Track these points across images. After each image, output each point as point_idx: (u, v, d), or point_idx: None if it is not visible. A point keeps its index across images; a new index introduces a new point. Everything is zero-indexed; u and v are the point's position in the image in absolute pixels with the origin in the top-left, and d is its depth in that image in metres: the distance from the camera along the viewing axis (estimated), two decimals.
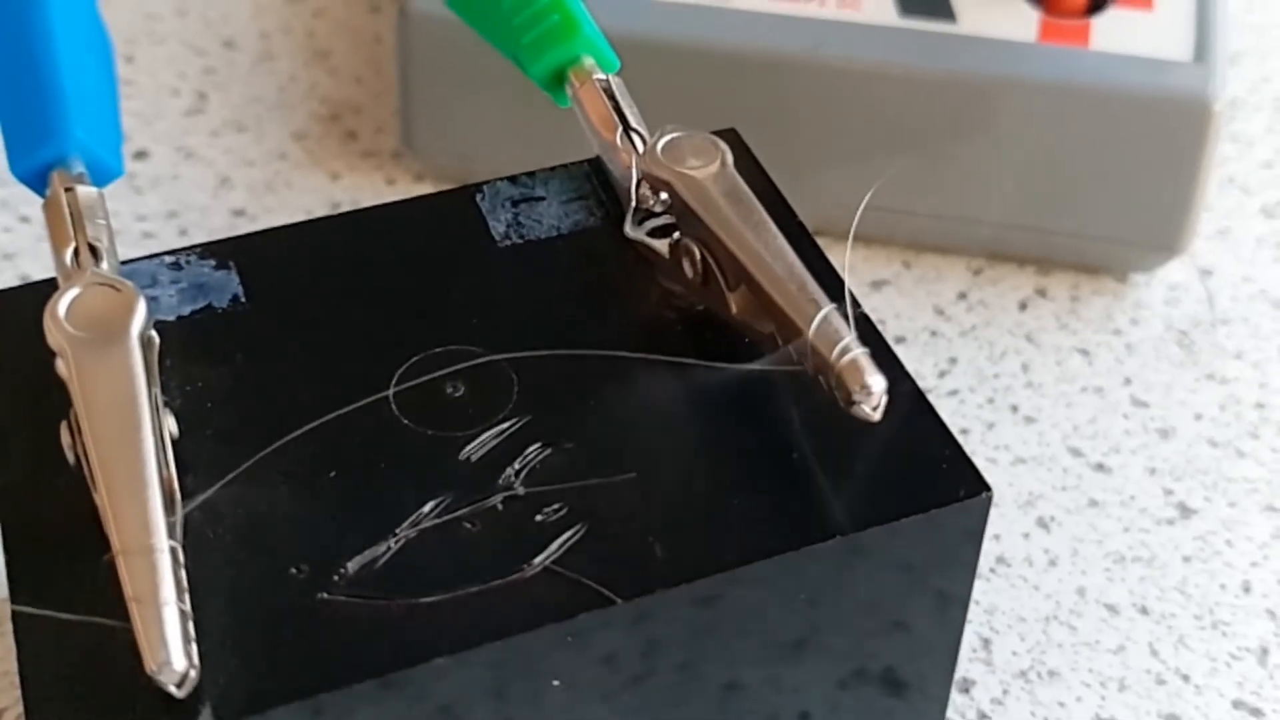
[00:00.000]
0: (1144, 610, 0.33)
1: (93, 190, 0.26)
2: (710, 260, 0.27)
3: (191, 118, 0.44)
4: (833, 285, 0.26)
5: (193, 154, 0.43)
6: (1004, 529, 0.35)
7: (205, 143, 0.44)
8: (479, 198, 0.30)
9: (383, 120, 0.44)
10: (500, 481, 0.25)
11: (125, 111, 0.30)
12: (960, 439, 0.26)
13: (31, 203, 0.41)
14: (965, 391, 0.38)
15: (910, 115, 0.38)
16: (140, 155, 0.43)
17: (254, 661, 0.22)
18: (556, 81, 0.30)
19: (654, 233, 0.28)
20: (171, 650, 0.21)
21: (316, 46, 0.47)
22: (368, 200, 0.41)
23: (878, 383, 0.24)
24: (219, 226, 0.41)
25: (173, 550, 0.22)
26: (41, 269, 0.39)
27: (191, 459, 0.25)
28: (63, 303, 0.24)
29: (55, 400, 0.24)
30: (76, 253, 0.25)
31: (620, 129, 0.28)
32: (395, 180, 0.43)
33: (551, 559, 0.24)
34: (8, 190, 0.41)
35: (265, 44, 0.47)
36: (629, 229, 0.28)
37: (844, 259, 0.28)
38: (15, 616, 0.23)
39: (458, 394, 0.26)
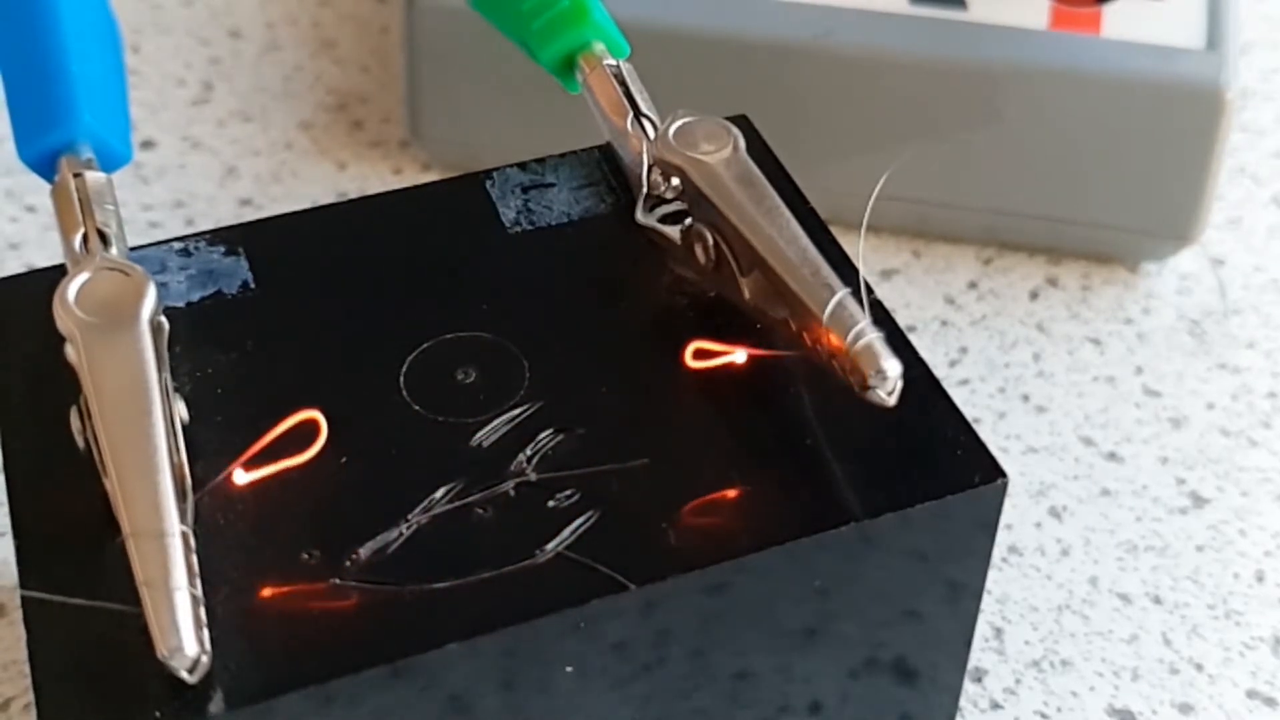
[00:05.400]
0: (1157, 600, 0.33)
1: (101, 176, 0.26)
2: (722, 245, 0.27)
3: (197, 107, 0.44)
4: (845, 272, 0.25)
5: (199, 144, 0.43)
6: (1016, 518, 0.35)
7: (211, 133, 0.43)
8: (489, 184, 0.30)
9: (389, 110, 0.44)
10: (512, 467, 0.25)
11: (131, 102, 0.30)
12: None
13: (37, 192, 0.41)
14: (976, 381, 0.38)
15: (920, 103, 0.38)
16: (147, 145, 0.43)
17: (265, 647, 0.22)
18: (566, 67, 0.29)
19: (665, 219, 0.28)
20: (183, 635, 0.21)
21: (322, 36, 0.47)
22: (374, 190, 0.41)
23: (893, 367, 0.24)
24: (225, 216, 0.41)
25: (184, 535, 0.22)
26: (47, 259, 0.39)
27: (202, 445, 0.24)
28: (72, 288, 0.24)
29: (64, 386, 0.24)
30: (85, 238, 0.25)
31: (631, 115, 0.28)
32: (402, 170, 0.43)
33: (564, 545, 0.24)
34: (13, 180, 0.41)
35: (271, 34, 0.47)
36: (640, 215, 0.28)
37: (855, 247, 0.27)
38: (25, 602, 0.23)
39: (469, 380, 0.26)
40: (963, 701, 0.29)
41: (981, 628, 0.32)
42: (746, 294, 0.26)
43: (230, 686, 0.22)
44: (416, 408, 0.26)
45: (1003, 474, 0.25)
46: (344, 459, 0.25)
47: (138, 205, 0.41)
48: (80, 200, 0.26)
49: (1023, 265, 0.41)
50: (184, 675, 0.21)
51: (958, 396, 0.36)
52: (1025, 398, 0.37)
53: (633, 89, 0.29)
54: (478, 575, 0.23)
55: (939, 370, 0.37)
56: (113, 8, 0.30)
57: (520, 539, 0.24)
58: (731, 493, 0.24)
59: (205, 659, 0.21)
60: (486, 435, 0.25)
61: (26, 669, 0.23)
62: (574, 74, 0.29)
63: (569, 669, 0.24)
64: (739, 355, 0.26)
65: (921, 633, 0.27)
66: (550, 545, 0.24)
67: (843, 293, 0.25)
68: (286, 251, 0.28)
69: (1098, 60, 0.37)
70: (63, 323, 0.24)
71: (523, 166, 0.30)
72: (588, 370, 0.26)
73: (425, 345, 0.26)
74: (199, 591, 0.21)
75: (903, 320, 0.38)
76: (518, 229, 0.29)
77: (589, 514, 0.24)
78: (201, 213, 0.41)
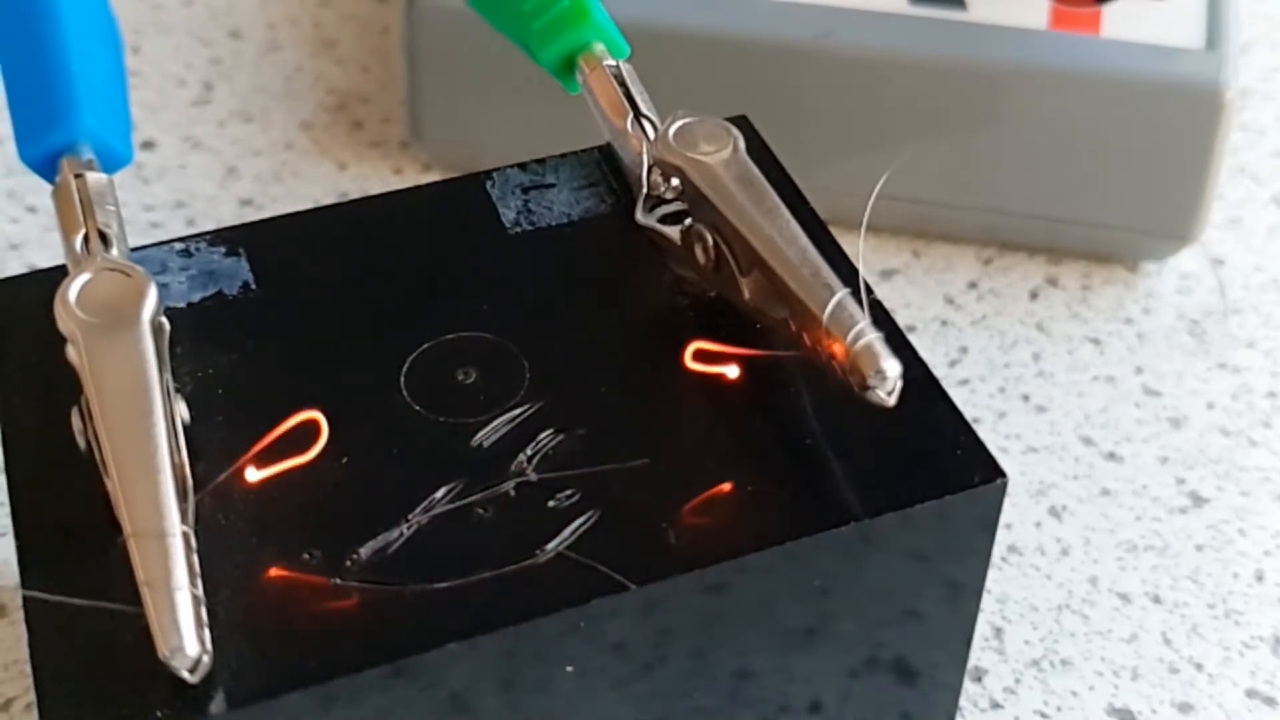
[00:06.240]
0: (1157, 599, 0.33)
1: (102, 177, 0.26)
2: (722, 246, 0.27)
3: (198, 108, 0.44)
4: (845, 272, 0.26)
5: (200, 144, 0.43)
6: (1016, 518, 0.35)
7: (212, 133, 0.44)
8: (489, 185, 0.30)
9: (390, 110, 0.44)
10: (513, 468, 0.25)
11: (132, 102, 0.30)
12: None
13: (38, 192, 0.41)
14: (976, 381, 0.38)
15: (920, 103, 0.38)
16: (147, 145, 0.43)
17: (266, 647, 0.22)
18: (566, 68, 0.30)
19: (665, 219, 0.28)
20: (184, 635, 0.21)
21: (323, 36, 0.47)
22: (375, 190, 0.41)
23: (893, 367, 0.24)
24: (226, 216, 0.41)
25: (185, 535, 0.22)
26: (48, 259, 0.39)
27: (203, 445, 0.24)
28: (73, 288, 0.24)
29: (66, 386, 0.24)
30: (86, 239, 0.25)
31: (631, 115, 0.28)
32: (402, 170, 0.43)
33: (564, 545, 0.24)
34: (14, 180, 0.41)
35: (272, 34, 0.47)
36: (640, 215, 0.28)
37: (855, 247, 0.27)
38: (27, 602, 0.23)
39: (469, 380, 0.26)
40: (963, 701, 0.29)
41: (981, 627, 0.32)
42: (746, 294, 0.26)
43: (231, 686, 0.22)
44: (417, 408, 0.26)
45: (1002, 474, 0.25)
46: (345, 459, 0.25)
47: (139, 206, 0.41)
48: (81, 201, 0.26)
49: (1023, 265, 0.41)
50: (185, 675, 0.21)
51: (958, 396, 0.37)
52: (1025, 397, 0.37)
53: (633, 89, 0.29)
54: (478, 575, 0.23)
55: (939, 370, 0.37)
56: (113, 8, 0.30)
57: (520, 539, 0.24)
58: (731, 492, 0.25)
59: (206, 659, 0.21)
60: (487, 435, 0.25)
61: (28, 669, 0.23)
62: (574, 74, 0.29)
63: (569, 669, 0.24)
64: (739, 355, 0.26)
65: (921, 632, 0.27)
66: (550, 545, 0.24)
67: (842, 293, 0.25)
68: (287, 252, 0.28)
69: (1097, 60, 0.37)
70: (64, 323, 0.24)
71: (523, 167, 0.30)
72: (588, 370, 0.26)
73: (426, 345, 0.27)
74: (200, 591, 0.21)
75: (903, 320, 0.38)
76: (518, 229, 0.29)
77: (589, 514, 0.24)
78: (202, 213, 0.41)
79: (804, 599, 0.25)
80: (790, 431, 0.25)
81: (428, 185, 0.30)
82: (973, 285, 0.40)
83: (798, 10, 0.38)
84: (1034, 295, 0.40)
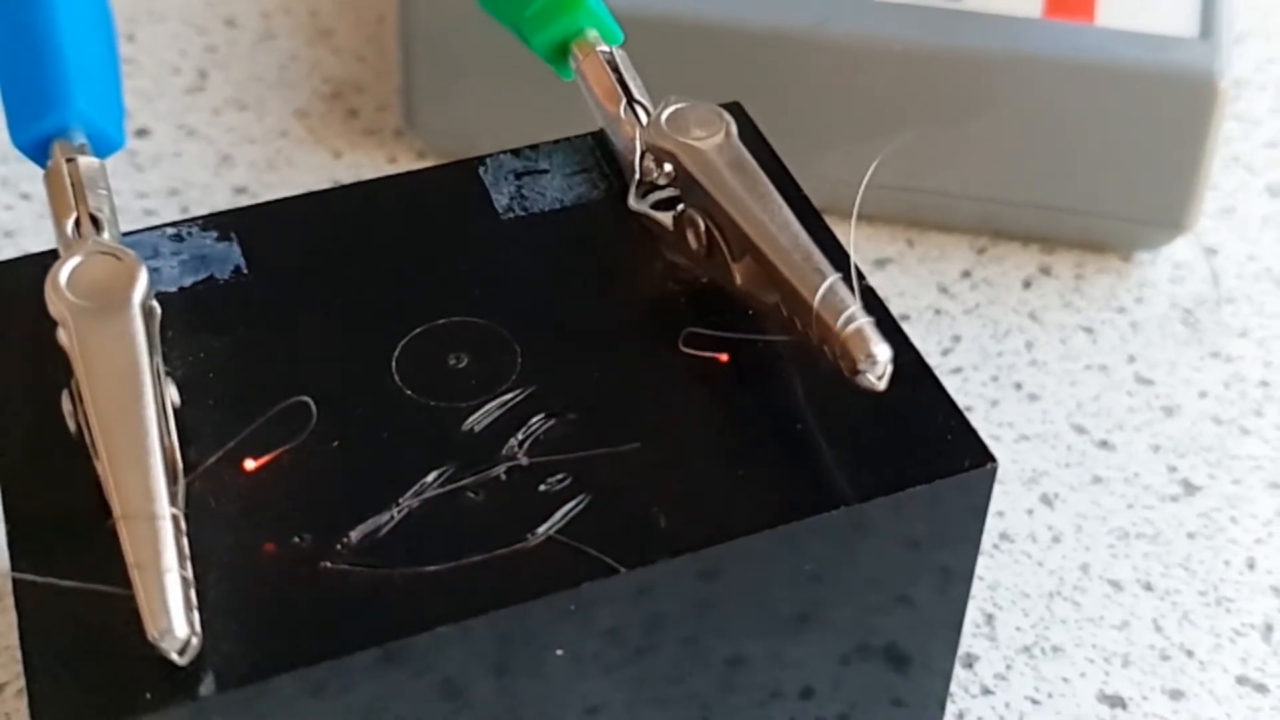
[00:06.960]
0: (1148, 586, 0.33)
1: (94, 161, 0.26)
2: (714, 231, 0.27)
3: (193, 96, 0.44)
4: (837, 259, 0.26)
5: (194, 132, 0.43)
6: (1007, 505, 0.35)
7: (206, 121, 0.43)
8: (482, 170, 0.30)
9: (385, 98, 0.44)
10: (504, 452, 0.25)
11: (126, 90, 0.30)
12: None
13: (32, 179, 0.41)
14: (969, 369, 0.38)
15: (914, 91, 0.38)
16: (141, 133, 0.43)
17: (256, 630, 0.22)
18: (560, 54, 0.30)
19: (658, 205, 0.28)
20: (174, 617, 0.21)
21: (318, 25, 0.47)
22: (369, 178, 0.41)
23: (883, 351, 0.24)
24: (220, 204, 0.41)
25: (175, 517, 0.22)
26: (42, 246, 0.39)
27: (193, 429, 0.24)
28: (64, 271, 0.24)
29: (56, 370, 0.24)
30: (78, 223, 0.25)
31: (624, 101, 0.28)
32: (397, 158, 0.43)
33: (555, 529, 0.24)
34: (8, 168, 0.41)
35: (267, 22, 0.47)
36: (633, 201, 0.28)
37: (848, 235, 0.27)
38: (16, 585, 0.23)
39: (460, 365, 0.26)
40: (954, 687, 0.29)
41: (973, 614, 0.32)
42: (738, 279, 0.27)
43: (221, 669, 0.22)
44: (409, 392, 0.26)
45: (992, 459, 0.25)
46: (336, 443, 0.25)
47: (133, 193, 0.41)
48: (73, 184, 0.26)
49: (1016, 254, 0.41)
50: (174, 657, 0.21)
51: (950, 385, 0.37)
52: (1018, 386, 0.37)
53: (625, 75, 0.29)
54: (469, 559, 0.23)
55: (932, 359, 0.38)
56: None
57: (512, 523, 0.24)
58: (722, 477, 0.25)
59: (196, 641, 0.21)
60: (478, 420, 0.25)
61: (20, 655, 0.23)
62: (567, 61, 0.29)
63: (560, 653, 0.24)
64: (730, 340, 0.26)
65: (912, 618, 0.27)
66: (541, 529, 0.24)
67: (834, 278, 0.25)
68: (279, 237, 0.28)
69: (1092, 48, 0.37)
70: (54, 306, 0.24)
71: (516, 153, 0.30)
72: (580, 355, 0.26)
73: (418, 330, 0.27)
74: (190, 574, 0.21)
75: (896, 309, 0.38)
76: (510, 215, 0.29)
77: (580, 498, 0.24)
78: (196, 200, 0.41)
79: (795, 584, 0.25)
80: (781, 416, 0.25)
81: (420, 170, 0.30)
82: (966, 274, 0.40)
83: None
84: (1027, 284, 0.40)
